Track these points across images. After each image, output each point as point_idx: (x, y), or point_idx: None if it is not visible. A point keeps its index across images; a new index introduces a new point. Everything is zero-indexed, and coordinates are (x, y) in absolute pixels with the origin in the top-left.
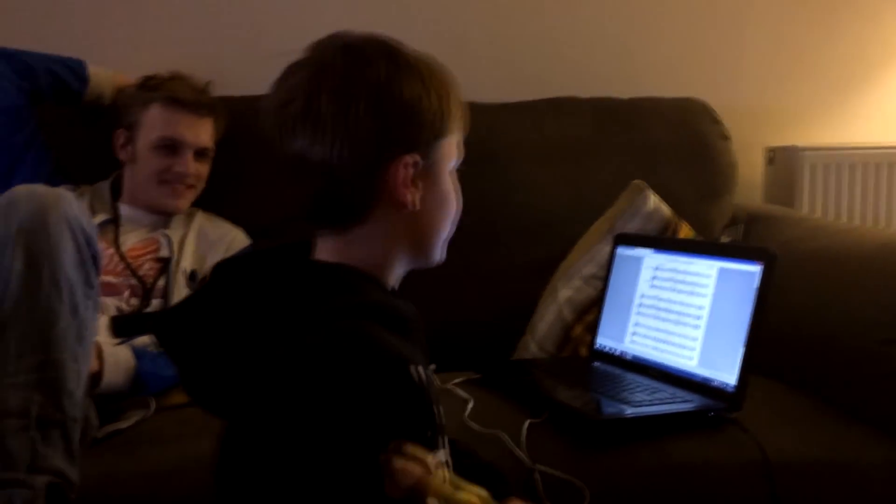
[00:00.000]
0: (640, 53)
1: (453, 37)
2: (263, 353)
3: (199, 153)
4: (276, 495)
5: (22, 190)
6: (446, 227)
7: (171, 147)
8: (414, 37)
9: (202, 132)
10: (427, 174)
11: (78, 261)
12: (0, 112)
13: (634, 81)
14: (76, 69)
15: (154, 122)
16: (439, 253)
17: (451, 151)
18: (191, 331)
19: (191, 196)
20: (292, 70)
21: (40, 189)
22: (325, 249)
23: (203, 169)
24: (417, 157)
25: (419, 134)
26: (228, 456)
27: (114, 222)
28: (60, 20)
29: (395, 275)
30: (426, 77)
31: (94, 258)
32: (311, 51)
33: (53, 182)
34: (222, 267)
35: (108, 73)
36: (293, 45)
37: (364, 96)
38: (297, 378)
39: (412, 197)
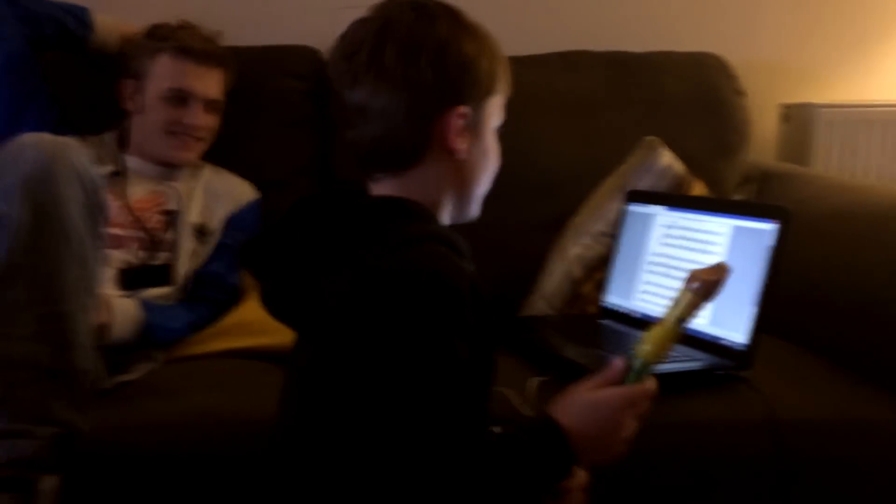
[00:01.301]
0: (654, 7)
1: None
2: (344, 273)
3: (209, 105)
4: (366, 401)
5: (29, 138)
6: (486, 182)
7: (180, 98)
8: None
9: (212, 84)
10: (474, 128)
11: (85, 211)
12: (6, 61)
13: (648, 35)
14: (80, 16)
15: (163, 72)
16: (476, 207)
17: (496, 110)
18: (273, 252)
19: (199, 148)
20: (359, 24)
21: (47, 138)
22: (382, 190)
23: (212, 121)
24: (469, 110)
25: (472, 89)
26: (301, 378)
27: (121, 174)
28: None
29: (443, 222)
30: (481, 39)
31: (101, 208)
32: (377, 8)
33: (59, 132)
34: (300, 202)
35: (114, 21)
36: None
37: (427, 50)
38: (384, 296)
39: (462, 145)
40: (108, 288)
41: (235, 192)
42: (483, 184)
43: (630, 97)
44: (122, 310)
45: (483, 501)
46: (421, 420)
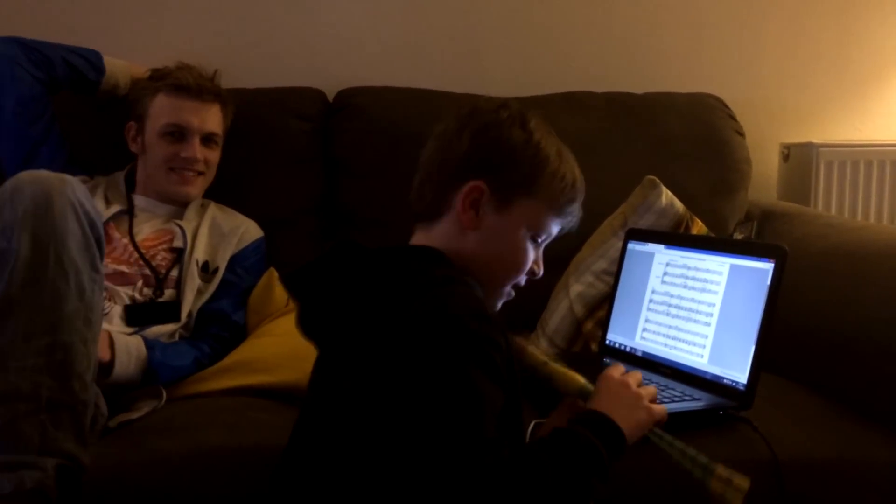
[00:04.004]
0: (655, 48)
1: (468, 31)
2: (377, 304)
3: (206, 139)
4: (389, 426)
5: (27, 175)
6: (502, 278)
7: (177, 133)
8: (429, 32)
9: (208, 118)
10: (496, 213)
11: (83, 244)
12: (17, 102)
13: (649, 77)
14: (92, 59)
15: (160, 110)
16: (492, 300)
17: (532, 216)
18: (315, 281)
19: (201, 183)
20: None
21: (44, 174)
22: (415, 240)
23: (211, 155)
24: (485, 188)
25: (498, 171)
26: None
27: (128, 213)
28: (76, 13)
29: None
30: (540, 145)
31: (99, 242)
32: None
33: (69, 172)
34: (343, 243)
35: (124, 63)
36: (302, 40)
37: (477, 124)
38: (411, 329)
39: (468, 216)
40: (115, 324)
41: (241, 230)
42: (497, 277)
43: (631, 137)
44: (125, 347)
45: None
46: (440, 451)
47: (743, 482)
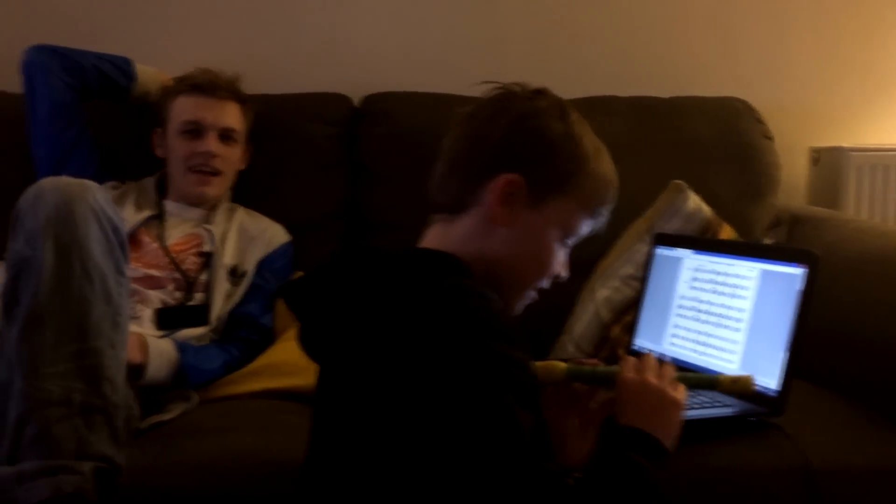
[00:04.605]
0: (680, 52)
1: (492, 36)
2: (383, 318)
3: (224, 135)
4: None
5: (48, 182)
6: (527, 280)
7: (194, 131)
8: (451, 36)
9: (224, 114)
10: (528, 210)
11: (107, 249)
12: (51, 108)
13: (676, 81)
14: (123, 66)
15: (179, 110)
16: (515, 302)
17: (565, 215)
18: (315, 295)
19: (218, 183)
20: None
21: (65, 180)
22: (432, 235)
23: (230, 153)
24: (521, 182)
25: (535, 165)
26: (333, 413)
27: (158, 217)
28: (107, 22)
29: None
30: (583, 143)
31: (122, 246)
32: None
33: (100, 178)
34: (344, 250)
35: (154, 71)
36: (328, 46)
37: (512, 113)
38: (434, 354)
39: (500, 212)
40: (146, 328)
41: (268, 234)
42: (522, 277)
43: (656, 141)
44: (157, 350)
45: None
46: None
47: (747, 378)
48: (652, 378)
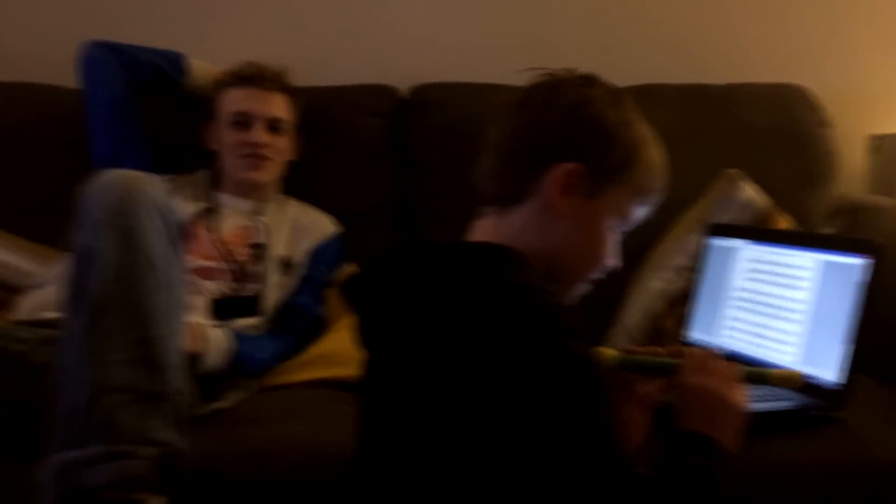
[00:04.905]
0: (735, 37)
1: (542, 25)
2: (451, 315)
3: (272, 124)
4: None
5: (109, 175)
6: (583, 271)
7: (243, 122)
8: (502, 26)
9: (271, 104)
10: (586, 200)
11: (165, 240)
12: (107, 104)
13: (729, 67)
14: (176, 61)
15: (228, 102)
16: (570, 294)
17: (620, 203)
18: (373, 289)
19: (269, 168)
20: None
21: (123, 173)
22: (482, 228)
23: (279, 141)
24: (583, 169)
25: (596, 154)
26: (389, 413)
27: (212, 210)
28: (159, 16)
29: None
30: (637, 128)
31: (180, 237)
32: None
33: (156, 171)
34: (401, 244)
35: (205, 65)
36: (375, 38)
37: (568, 99)
38: (512, 358)
39: (561, 202)
40: (201, 317)
41: (319, 225)
42: (578, 268)
43: (709, 130)
44: (215, 339)
45: None
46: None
47: (796, 375)
48: (715, 381)
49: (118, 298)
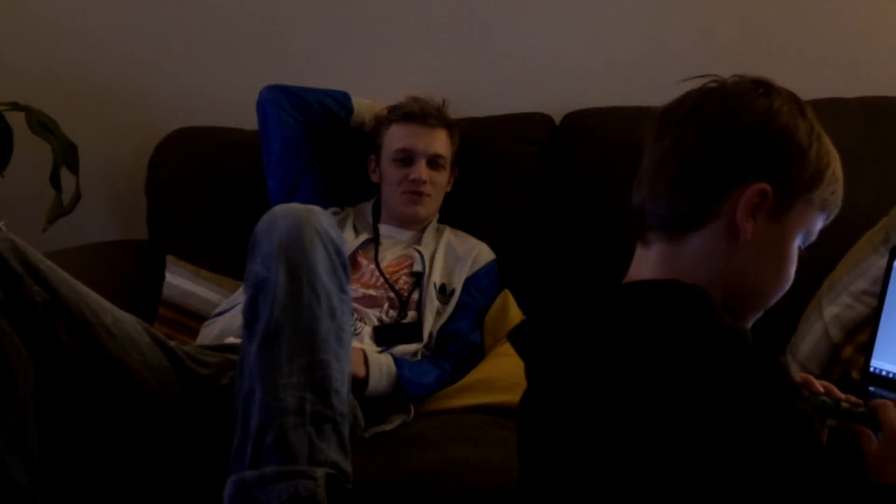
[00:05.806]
0: None
1: (690, 41)
2: (649, 369)
3: (432, 162)
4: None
5: (279, 209)
6: (770, 297)
7: (406, 159)
8: (654, 48)
9: (433, 141)
10: (772, 220)
11: (331, 268)
12: (283, 143)
13: None
14: (342, 100)
15: (392, 138)
16: (747, 319)
17: (807, 220)
18: (544, 337)
19: (429, 204)
20: (695, 89)
21: (294, 207)
22: (649, 258)
23: (438, 177)
24: (769, 189)
25: (785, 173)
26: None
27: (374, 241)
28: (328, 56)
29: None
30: (818, 135)
31: (344, 266)
32: (721, 79)
33: (325, 204)
34: (574, 293)
35: (369, 102)
36: (528, 67)
37: (750, 113)
38: (709, 402)
39: (746, 225)
40: (365, 344)
41: (474, 253)
42: (762, 294)
43: (891, 145)
44: (378, 365)
45: None
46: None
47: None
48: None
49: (288, 325)
